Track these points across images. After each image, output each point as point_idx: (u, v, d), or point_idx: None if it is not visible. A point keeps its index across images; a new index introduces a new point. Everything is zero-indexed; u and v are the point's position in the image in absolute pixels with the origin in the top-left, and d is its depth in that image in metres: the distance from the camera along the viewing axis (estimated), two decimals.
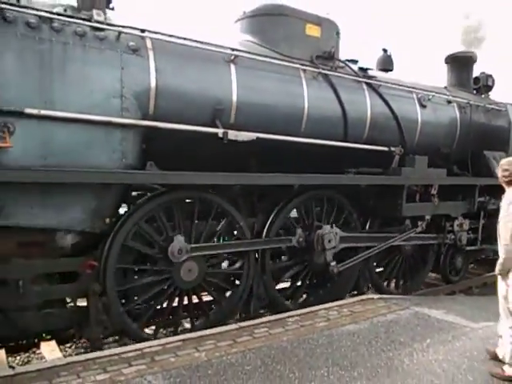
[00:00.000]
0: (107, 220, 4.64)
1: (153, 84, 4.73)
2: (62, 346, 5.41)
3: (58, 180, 4.11)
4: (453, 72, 8.96)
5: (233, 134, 5.12)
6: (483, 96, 9.05)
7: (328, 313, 5.56)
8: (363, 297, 6.38)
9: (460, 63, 8.94)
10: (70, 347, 5.55)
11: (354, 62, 7.05)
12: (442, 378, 4.00)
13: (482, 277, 9.10)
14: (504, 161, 4.29)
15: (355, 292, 7.19)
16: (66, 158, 4.24)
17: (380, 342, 4.73)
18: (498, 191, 5.21)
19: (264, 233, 5.85)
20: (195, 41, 5.11)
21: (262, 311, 6.25)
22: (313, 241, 6.05)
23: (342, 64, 6.59)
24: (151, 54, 4.77)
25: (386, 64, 7.74)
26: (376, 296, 6.44)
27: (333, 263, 6.08)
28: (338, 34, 6.66)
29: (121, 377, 3.78)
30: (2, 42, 3.96)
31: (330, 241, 6.06)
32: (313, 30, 6.32)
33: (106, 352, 4.29)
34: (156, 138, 4.84)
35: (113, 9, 4.96)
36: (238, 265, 5.79)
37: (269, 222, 5.90)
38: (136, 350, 4.29)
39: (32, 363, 5.05)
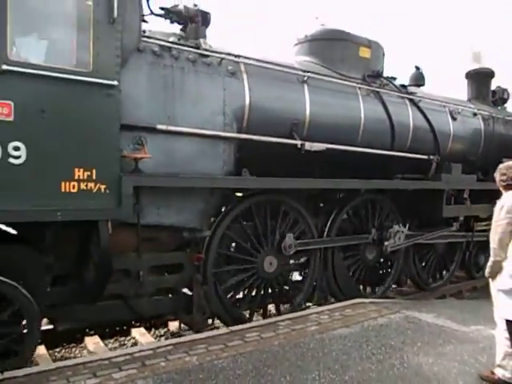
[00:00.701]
0: (212, 219, 5.38)
1: (247, 102, 5.50)
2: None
3: (184, 185, 4.86)
4: (473, 86, 9.84)
5: (308, 145, 5.91)
6: (499, 108, 9.97)
7: (319, 317, 5.56)
8: (354, 301, 6.40)
9: (480, 78, 9.85)
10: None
11: (394, 78, 7.89)
12: (433, 381, 4.01)
13: (472, 281, 9.15)
14: (502, 165, 4.28)
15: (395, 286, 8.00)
16: (183, 166, 4.98)
17: (371, 345, 4.71)
18: None
19: (326, 232, 6.63)
20: (276, 64, 5.90)
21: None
22: (384, 237, 6.94)
23: (386, 81, 7.43)
24: (245, 76, 5.54)
25: (418, 80, 8.59)
26: (367, 300, 6.50)
27: (387, 243, 6.98)
28: (383, 54, 7.52)
29: (111, 381, 3.75)
30: (136, 68, 4.69)
31: (399, 238, 6.92)
32: (365, 52, 7.16)
33: (96, 356, 4.27)
34: (246, 147, 5.60)
35: (205, 37, 5.70)
36: (302, 259, 6.57)
37: (329, 222, 6.69)
38: (126, 355, 4.26)
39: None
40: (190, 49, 5.14)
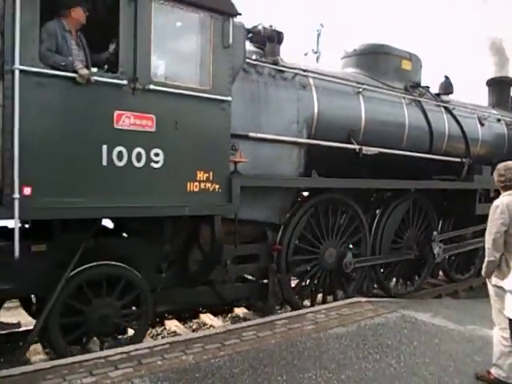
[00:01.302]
0: (287, 215, 6.13)
1: (316, 111, 6.23)
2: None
3: (277, 184, 5.71)
4: (494, 93, 10.63)
5: (365, 149, 6.66)
6: None
7: (316, 316, 5.56)
8: (351, 300, 6.47)
9: (500, 86, 10.64)
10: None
11: (427, 88, 8.66)
12: (429, 380, 4.02)
13: (468, 280, 9.28)
14: (501, 165, 4.24)
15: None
16: (265, 168, 5.70)
17: (367, 344, 4.73)
18: None
19: (374, 227, 7.39)
20: (336, 77, 6.65)
21: None
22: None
23: (424, 91, 8.19)
24: (313, 88, 6.28)
25: (447, 88, 9.34)
26: (363, 299, 6.55)
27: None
28: (421, 66, 8.29)
29: (107, 380, 3.73)
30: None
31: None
32: (406, 65, 7.93)
33: (93, 355, 4.24)
34: (313, 151, 6.33)
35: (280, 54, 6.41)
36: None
37: (377, 219, 7.45)
38: (122, 353, 4.24)
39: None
40: (271, 65, 5.87)
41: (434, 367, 4.28)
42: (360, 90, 6.85)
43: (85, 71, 3.90)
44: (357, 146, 6.61)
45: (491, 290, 4.09)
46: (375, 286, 7.68)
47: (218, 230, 4.88)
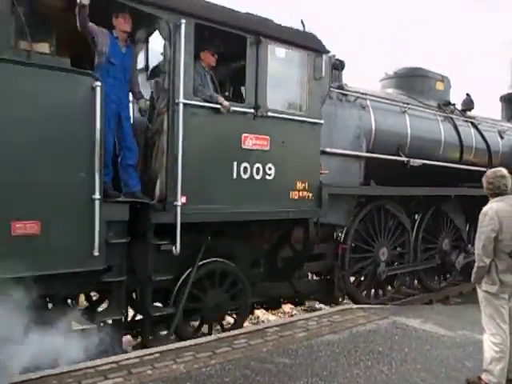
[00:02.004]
0: (351, 218, 7.09)
1: (373, 128, 7.24)
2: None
3: (355, 193, 6.90)
4: (508, 108, 11.79)
5: (412, 161, 7.66)
6: None
7: (307, 323, 5.59)
8: (342, 307, 6.51)
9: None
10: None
11: (454, 105, 9.73)
12: None
13: (458, 286, 9.51)
14: (490, 172, 4.27)
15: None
16: (334, 179, 6.61)
17: (359, 351, 4.74)
18: None
19: (415, 229, 8.39)
20: (387, 98, 7.67)
21: None
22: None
23: (453, 108, 9.26)
24: (371, 109, 7.27)
25: (469, 105, 10.43)
26: (355, 306, 6.65)
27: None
28: (450, 86, 9.35)
29: None
30: None
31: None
32: (439, 85, 9.03)
33: (82, 365, 4.15)
34: (370, 163, 7.32)
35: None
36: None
37: (417, 222, 8.45)
38: (112, 363, 4.21)
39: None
40: (338, 90, 6.86)
41: (426, 373, 4.29)
42: (406, 109, 7.87)
43: (226, 103, 4.84)
44: (405, 159, 7.60)
45: (481, 295, 4.09)
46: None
47: (312, 231, 5.83)
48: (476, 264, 4.01)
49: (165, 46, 4.73)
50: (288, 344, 4.86)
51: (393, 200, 7.89)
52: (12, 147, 3.73)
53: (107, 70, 4.47)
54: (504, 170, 4.20)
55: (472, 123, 9.40)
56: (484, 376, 4.02)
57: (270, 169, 5.28)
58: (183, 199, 4.61)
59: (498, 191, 4.07)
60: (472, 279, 4.13)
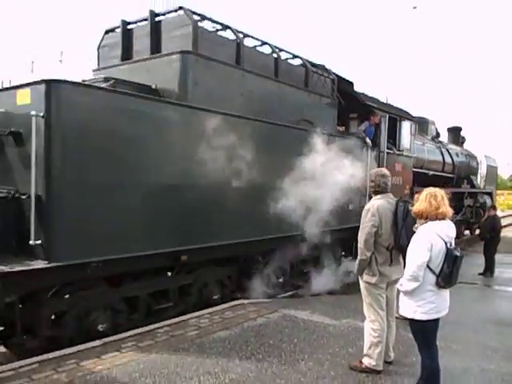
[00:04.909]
0: None
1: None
2: None
3: None
4: (450, 136, 16.89)
5: (431, 173, 13.14)
6: None
7: (199, 321, 5.54)
8: (234, 302, 6.44)
9: (454, 131, 17.17)
10: None
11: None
12: (308, 375, 4.15)
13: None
14: (372, 172, 4.46)
15: None
16: None
17: (251, 346, 4.80)
18: None
19: None
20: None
21: None
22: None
23: (436, 139, 14.74)
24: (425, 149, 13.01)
25: (437, 135, 15.11)
26: (246, 301, 6.54)
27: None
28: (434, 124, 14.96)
29: None
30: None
31: None
32: (432, 126, 14.66)
33: None
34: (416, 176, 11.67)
35: None
36: None
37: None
38: None
39: None
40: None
41: (313, 362, 4.46)
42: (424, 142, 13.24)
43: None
44: (425, 171, 12.84)
45: (362, 286, 4.31)
46: None
47: None
48: (358, 257, 4.23)
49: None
50: (179, 343, 4.81)
51: None
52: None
53: None
54: (385, 170, 4.50)
55: (445, 148, 14.74)
56: (364, 360, 4.26)
57: None
58: None
59: (379, 189, 4.33)
60: (354, 271, 4.40)
